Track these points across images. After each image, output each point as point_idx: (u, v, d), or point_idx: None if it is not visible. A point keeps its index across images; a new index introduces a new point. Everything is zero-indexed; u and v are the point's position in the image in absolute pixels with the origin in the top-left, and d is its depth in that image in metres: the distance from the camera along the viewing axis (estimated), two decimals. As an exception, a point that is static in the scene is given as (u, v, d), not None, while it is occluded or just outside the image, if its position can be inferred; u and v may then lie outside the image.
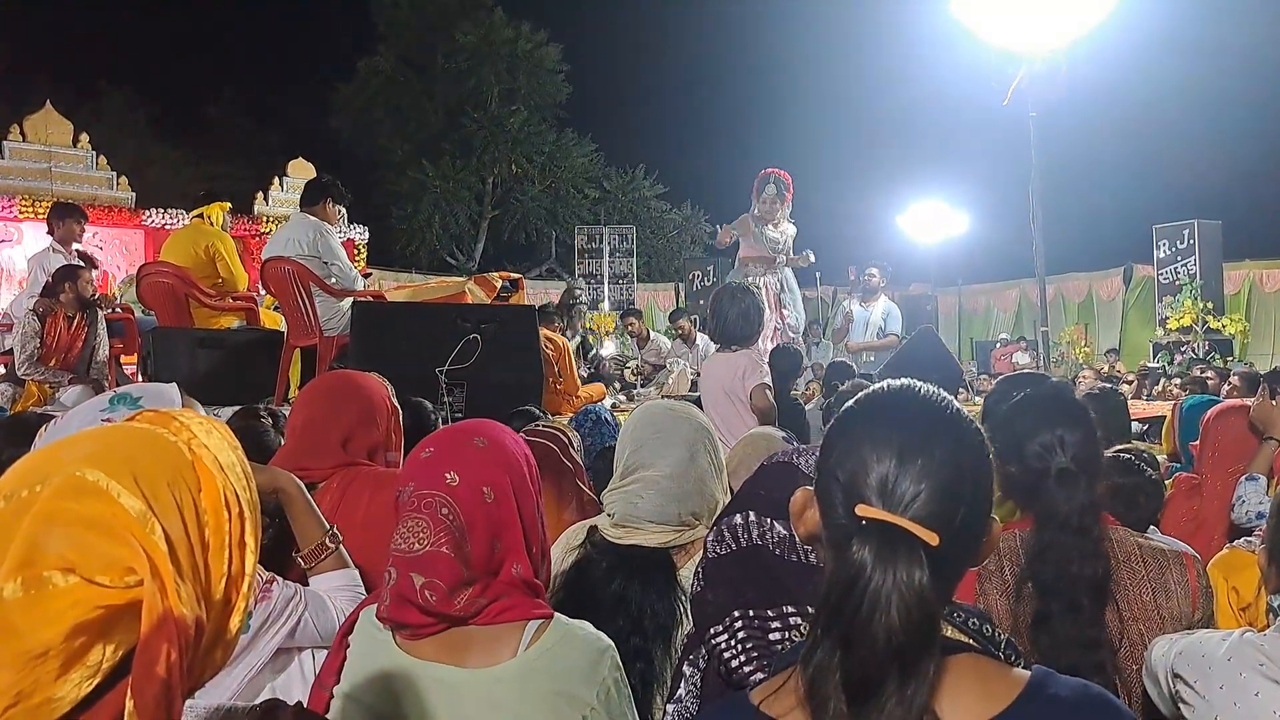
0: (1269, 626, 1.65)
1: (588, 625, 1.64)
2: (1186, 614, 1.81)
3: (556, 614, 1.61)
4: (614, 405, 6.92)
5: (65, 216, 7.48)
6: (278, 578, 1.90)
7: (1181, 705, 1.62)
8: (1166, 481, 3.40)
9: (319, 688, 1.60)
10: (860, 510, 0.96)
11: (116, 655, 0.78)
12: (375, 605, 1.59)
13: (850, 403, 1.08)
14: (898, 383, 1.08)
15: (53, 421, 2.15)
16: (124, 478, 0.80)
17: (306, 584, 2.00)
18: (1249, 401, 3.36)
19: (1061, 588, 1.71)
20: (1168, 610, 1.80)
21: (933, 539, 0.93)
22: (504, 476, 1.60)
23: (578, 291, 9.44)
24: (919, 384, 1.07)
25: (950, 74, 15.66)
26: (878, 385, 1.10)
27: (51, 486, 0.79)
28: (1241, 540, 2.33)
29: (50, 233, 7.50)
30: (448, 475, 1.55)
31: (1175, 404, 4.62)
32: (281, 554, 2.04)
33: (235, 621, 0.86)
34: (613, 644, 1.63)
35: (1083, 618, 1.70)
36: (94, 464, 0.81)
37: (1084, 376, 12.16)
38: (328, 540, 2.02)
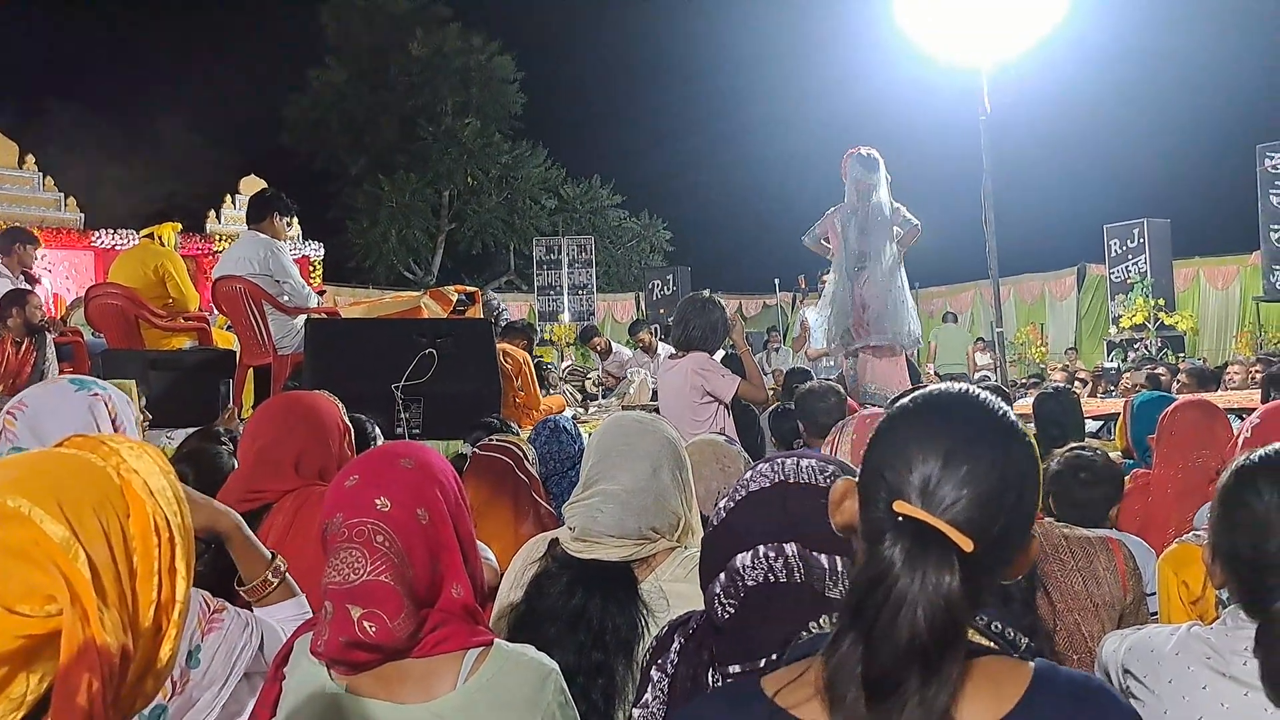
0: (1217, 619, 1.67)
1: (529, 649, 1.61)
2: (1118, 598, 1.83)
3: (497, 640, 1.58)
4: (574, 416, 6.90)
5: (19, 241, 7.34)
6: (228, 605, 1.86)
7: (1132, 700, 1.63)
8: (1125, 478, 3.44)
9: None
10: (898, 507, 0.95)
11: (41, 687, 0.76)
12: (310, 635, 1.54)
13: (905, 399, 1.08)
14: (956, 386, 1.08)
15: (19, 409, 2.13)
16: (48, 504, 0.78)
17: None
18: (1205, 396, 3.40)
19: None
20: (1099, 597, 1.82)
21: (967, 545, 0.93)
22: (436, 497, 1.55)
23: (494, 302, 9.26)
24: (978, 390, 1.07)
25: (903, 78, 15.81)
26: (937, 386, 1.09)
27: None
28: (1190, 535, 2.35)
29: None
30: (378, 501, 1.50)
31: (1127, 400, 4.68)
32: (229, 582, 2.00)
33: (166, 650, 0.84)
34: (556, 667, 1.60)
35: (1015, 607, 1.71)
36: (17, 490, 0.79)
37: (1053, 375, 12.30)
38: (270, 575, 1.94)
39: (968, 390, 1.07)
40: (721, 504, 1.48)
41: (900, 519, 0.95)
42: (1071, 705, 0.98)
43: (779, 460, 1.45)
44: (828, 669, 0.95)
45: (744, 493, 1.44)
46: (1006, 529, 0.97)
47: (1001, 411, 1.04)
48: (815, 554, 1.32)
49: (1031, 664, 1.02)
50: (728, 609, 1.39)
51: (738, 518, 1.42)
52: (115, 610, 0.78)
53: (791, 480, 1.39)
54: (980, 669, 0.98)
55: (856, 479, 1.07)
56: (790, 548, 1.33)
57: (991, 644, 1.03)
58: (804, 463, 1.42)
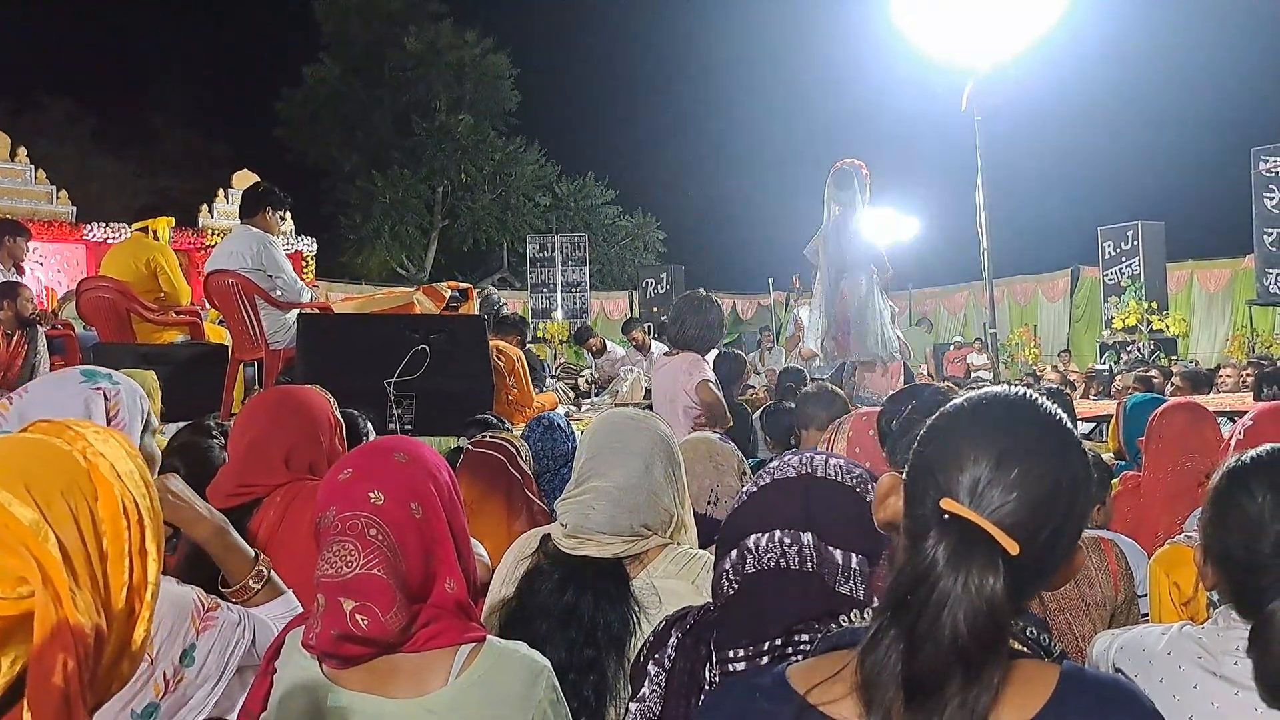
0: (1209, 619, 1.67)
1: (522, 646, 1.60)
2: (1110, 598, 1.83)
3: (489, 637, 1.57)
4: (567, 414, 6.89)
5: (10, 234, 7.31)
6: (222, 603, 1.84)
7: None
8: (1114, 480, 3.45)
9: (245, 715, 1.56)
10: (945, 504, 0.95)
11: (15, 669, 0.76)
12: (302, 630, 1.52)
13: (962, 399, 1.07)
14: (1016, 390, 1.07)
15: (19, 395, 2.11)
16: (16, 487, 0.78)
17: None
18: (1195, 398, 3.39)
19: None
20: (1091, 597, 1.82)
21: (1013, 547, 0.91)
22: (430, 491, 1.54)
23: (494, 297, 9.23)
24: (1037, 395, 1.06)
25: (898, 79, 15.84)
26: (997, 388, 1.09)
27: None
28: (1182, 536, 2.35)
29: (-11, 249, 7.31)
30: (372, 494, 1.49)
31: (1119, 402, 4.68)
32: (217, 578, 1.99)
33: (140, 631, 0.84)
34: (548, 664, 1.60)
35: None
36: None
37: (1046, 377, 12.33)
38: (252, 580, 1.93)
39: (1025, 394, 1.06)
40: (745, 488, 1.50)
41: (946, 517, 0.94)
42: (1098, 707, 0.97)
43: (809, 454, 1.47)
44: (865, 667, 0.93)
45: (769, 479, 1.46)
46: (1054, 536, 0.96)
47: (1058, 417, 1.02)
48: (830, 548, 1.33)
49: (1059, 666, 1.01)
50: (733, 584, 1.39)
51: (759, 501, 1.44)
52: (87, 592, 0.78)
53: (817, 474, 1.41)
54: (1014, 671, 0.97)
55: (904, 475, 1.05)
56: (806, 537, 1.35)
57: (1023, 648, 1.02)
58: (832, 461, 1.44)
